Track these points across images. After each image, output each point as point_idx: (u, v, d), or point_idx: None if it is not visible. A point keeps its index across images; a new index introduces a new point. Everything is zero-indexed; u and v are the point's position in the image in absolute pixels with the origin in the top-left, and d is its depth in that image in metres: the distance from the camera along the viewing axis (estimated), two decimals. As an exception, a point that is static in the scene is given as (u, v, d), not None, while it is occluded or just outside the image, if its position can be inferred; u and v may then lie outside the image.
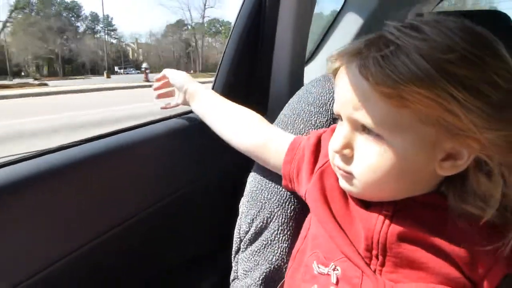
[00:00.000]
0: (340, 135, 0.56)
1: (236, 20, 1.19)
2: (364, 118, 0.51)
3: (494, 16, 0.88)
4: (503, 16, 0.87)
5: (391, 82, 0.47)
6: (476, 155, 0.49)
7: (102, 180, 0.81)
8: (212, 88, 1.20)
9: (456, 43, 0.47)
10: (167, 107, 1.04)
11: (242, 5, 1.18)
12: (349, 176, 0.56)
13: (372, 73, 0.48)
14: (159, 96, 1.06)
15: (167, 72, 1.03)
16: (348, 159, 0.56)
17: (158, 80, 1.06)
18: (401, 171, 0.52)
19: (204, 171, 1.08)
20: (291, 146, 0.73)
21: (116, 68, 42.61)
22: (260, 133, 0.79)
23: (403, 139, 0.50)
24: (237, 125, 0.83)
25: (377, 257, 0.56)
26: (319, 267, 0.60)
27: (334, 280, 0.57)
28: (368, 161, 0.53)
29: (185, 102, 0.98)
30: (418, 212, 0.55)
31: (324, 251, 0.61)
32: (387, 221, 0.56)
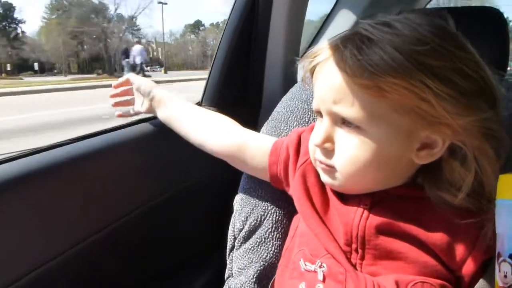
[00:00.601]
0: (320, 130, 0.57)
1: (229, 17, 1.19)
2: (344, 110, 0.53)
3: (486, 12, 0.89)
4: (495, 12, 0.87)
5: (368, 74, 0.49)
6: (450, 142, 0.52)
7: (93, 179, 0.81)
8: (206, 85, 1.19)
9: (426, 37, 0.50)
10: (125, 115, 0.97)
11: (235, 3, 1.18)
12: (331, 170, 0.58)
13: (350, 66, 0.51)
14: (117, 105, 0.98)
15: (131, 77, 0.97)
16: (329, 153, 0.57)
17: (117, 86, 0.97)
18: (380, 161, 0.54)
19: (198, 169, 1.07)
20: (274, 147, 0.73)
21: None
22: (235, 135, 0.78)
23: (381, 130, 0.52)
24: (210, 129, 0.82)
25: (356, 251, 0.58)
26: (306, 264, 0.61)
27: (320, 277, 0.58)
28: (348, 153, 0.55)
29: (149, 110, 0.93)
30: (395, 204, 0.57)
31: (310, 248, 0.62)
32: (365, 214, 0.58)
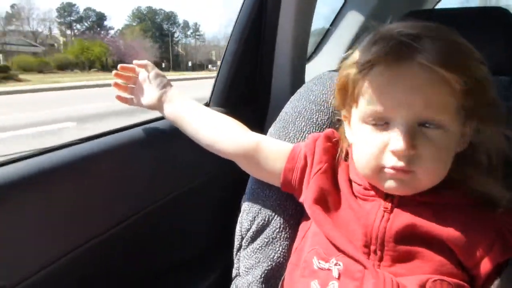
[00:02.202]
0: (401, 135, 0.55)
1: (238, 17, 1.19)
2: (434, 113, 0.55)
3: (497, 13, 0.88)
4: (504, 12, 0.87)
5: (464, 71, 0.53)
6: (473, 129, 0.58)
7: (101, 179, 0.81)
8: (214, 84, 1.20)
9: (462, 43, 0.57)
10: (124, 100, 0.92)
11: (243, 3, 1.18)
12: (407, 175, 0.56)
13: (447, 64, 0.53)
14: (121, 88, 0.93)
15: (149, 65, 0.92)
16: (411, 158, 0.55)
17: (124, 68, 0.92)
18: (452, 155, 0.58)
19: (206, 169, 1.08)
20: (292, 154, 0.73)
21: (209, 66, 54.13)
22: (249, 136, 0.78)
23: (455, 125, 0.56)
24: (221, 129, 0.80)
25: (375, 252, 0.58)
26: (319, 263, 0.61)
27: (336, 275, 0.59)
28: (434, 153, 0.56)
29: (155, 104, 0.88)
30: (415, 208, 0.58)
31: (324, 247, 0.62)
32: (386, 217, 0.59)
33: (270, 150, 0.75)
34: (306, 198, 0.67)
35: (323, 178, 0.67)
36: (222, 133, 0.80)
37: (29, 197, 0.68)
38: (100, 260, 0.82)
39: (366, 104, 0.58)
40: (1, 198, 0.64)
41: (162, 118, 1.01)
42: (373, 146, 0.58)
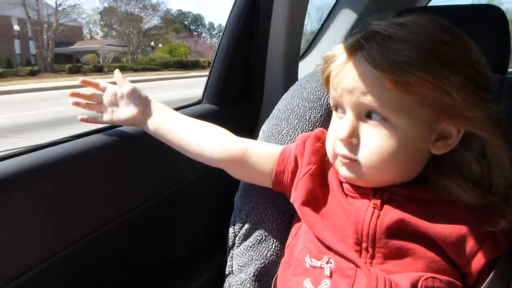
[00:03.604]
0: (345, 124, 0.58)
1: (230, 15, 1.19)
2: (372, 102, 0.55)
3: (487, 10, 0.89)
4: (496, 10, 0.87)
5: (397, 70, 0.53)
6: (463, 133, 0.56)
7: (94, 177, 0.81)
8: (207, 83, 1.19)
9: (443, 37, 0.54)
10: (91, 121, 0.85)
11: (235, 1, 1.18)
12: (353, 164, 0.59)
13: (378, 62, 0.54)
14: (77, 105, 0.85)
15: (123, 81, 0.85)
16: (353, 147, 0.59)
17: (86, 83, 0.86)
18: (403, 152, 0.57)
19: (198, 166, 1.07)
20: (282, 156, 0.72)
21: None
22: (237, 142, 0.76)
23: (406, 122, 0.55)
24: (208, 138, 0.78)
25: (367, 250, 0.59)
26: (311, 261, 0.61)
27: (327, 273, 0.59)
28: (375, 146, 0.57)
29: (136, 120, 0.84)
30: (405, 204, 0.59)
31: (316, 246, 0.63)
32: (376, 213, 0.59)
33: (259, 155, 0.74)
34: (295, 200, 0.68)
35: (312, 179, 0.67)
36: (209, 143, 0.78)
37: (20, 194, 0.67)
38: (93, 258, 0.82)
39: (332, 92, 0.62)
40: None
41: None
42: (331, 133, 0.63)
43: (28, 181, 0.68)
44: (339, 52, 0.61)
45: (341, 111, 0.61)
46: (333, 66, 0.62)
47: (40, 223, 0.70)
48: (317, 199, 0.66)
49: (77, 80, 0.86)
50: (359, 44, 0.57)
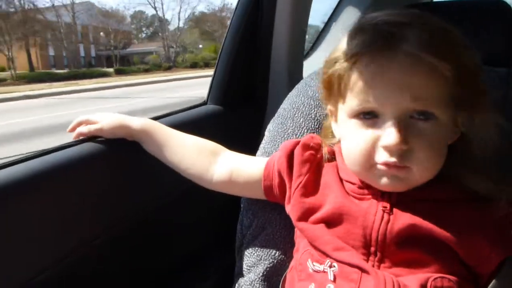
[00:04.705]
0: (391, 128, 0.52)
1: (234, 15, 1.19)
2: (424, 105, 0.53)
3: (495, 6, 0.88)
4: (504, 5, 0.86)
5: (454, 56, 0.51)
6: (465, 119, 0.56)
7: (100, 180, 0.81)
8: (211, 84, 1.19)
9: (457, 31, 0.54)
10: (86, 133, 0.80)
11: (238, 1, 1.18)
12: (404, 170, 0.54)
13: (435, 48, 0.51)
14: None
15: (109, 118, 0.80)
16: (404, 153, 0.53)
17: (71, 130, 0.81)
18: (446, 147, 0.56)
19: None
20: (266, 171, 0.72)
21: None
22: (221, 172, 0.75)
23: (447, 113, 0.54)
24: (194, 173, 0.78)
25: (375, 254, 0.56)
26: (314, 265, 0.60)
27: (331, 277, 0.57)
28: (429, 147, 0.54)
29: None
30: (414, 207, 0.56)
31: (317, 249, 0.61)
32: (385, 218, 0.56)
33: (245, 175, 0.74)
34: (291, 215, 0.66)
35: (305, 191, 0.64)
36: (197, 177, 0.78)
37: (26, 199, 0.68)
38: (101, 261, 0.82)
39: (353, 98, 0.56)
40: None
41: (161, 117, 1.00)
42: (363, 141, 0.55)
43: (33, 185, 0.68)
44: (348, 53, 0.56)
45: (371, 116, 0.55)
46: (353, 72, 0.55)
47: (42, 228, 0.70)
48: (314, 208, 0.63)
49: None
50: (391, 37, 0.52)
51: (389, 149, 0.53)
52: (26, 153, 0.73)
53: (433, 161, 0.55)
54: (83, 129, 0.80)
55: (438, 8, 0.99)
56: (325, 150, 0.68)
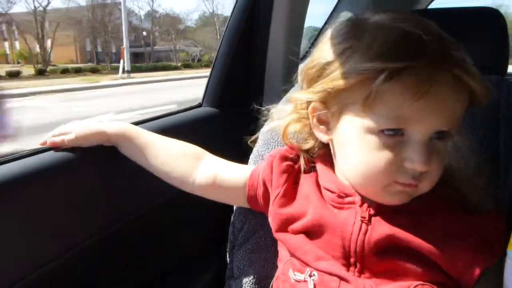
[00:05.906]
0: (422, 153, 0.51)
1: (230, 18, 1.19)
2: (452, 125, 0.52)
3: (486, 13, 0.89)
4: (495, 12, 0.87)
5: (477, 72, 0.51)
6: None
7: (96, 180, 0.81)
8: (207, 86, 1.19)
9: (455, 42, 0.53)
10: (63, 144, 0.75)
11: (235, 4, 1.18)
12: (414, 188, 0.54)
13: (474, 75, 0.50)
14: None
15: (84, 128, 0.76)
16: (422, 173, 0.52)
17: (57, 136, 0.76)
18: None
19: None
20: (251, 181, 0.71)
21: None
22: (201, 179, 0.74)
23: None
24: (177, 178, 0.77)
25: (355, 265, 0.56)
26: (295, 275, 0.59)
27: (311, 287, 0.57)
28: (440, 165, 0.54)
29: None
30: (392, 217, 0.56)
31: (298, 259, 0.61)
32: (363, 228, 0.56)
33: (229, 182, 0.73)
34: (271, 226, 0.66)
35: (284, 201, 0.64)
36: (179, 182, 0.77)
37: (20, 197, 0.67)
38: (94, 262, 0.82)
39: (380, 114, 0.51)
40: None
41: (161, 117, 1.00)
42: (387, 162, 0.52)
43: (26, 183, 0.68)
44: (386, 67, 0.48)
45: (395, 133, 0.51)
46: (388, 86, 0.48)
47: (37, 226, 0.70)
48: (293, 218, 0.62)
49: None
50: (443, 55, 0.49)
51: (413, 171, 0.51)
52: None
53: (438, 177, 0.55)
54: (57, 139, 0.75)
55: (433, 15, 1.00)
56: (302, 162, 0.67)
